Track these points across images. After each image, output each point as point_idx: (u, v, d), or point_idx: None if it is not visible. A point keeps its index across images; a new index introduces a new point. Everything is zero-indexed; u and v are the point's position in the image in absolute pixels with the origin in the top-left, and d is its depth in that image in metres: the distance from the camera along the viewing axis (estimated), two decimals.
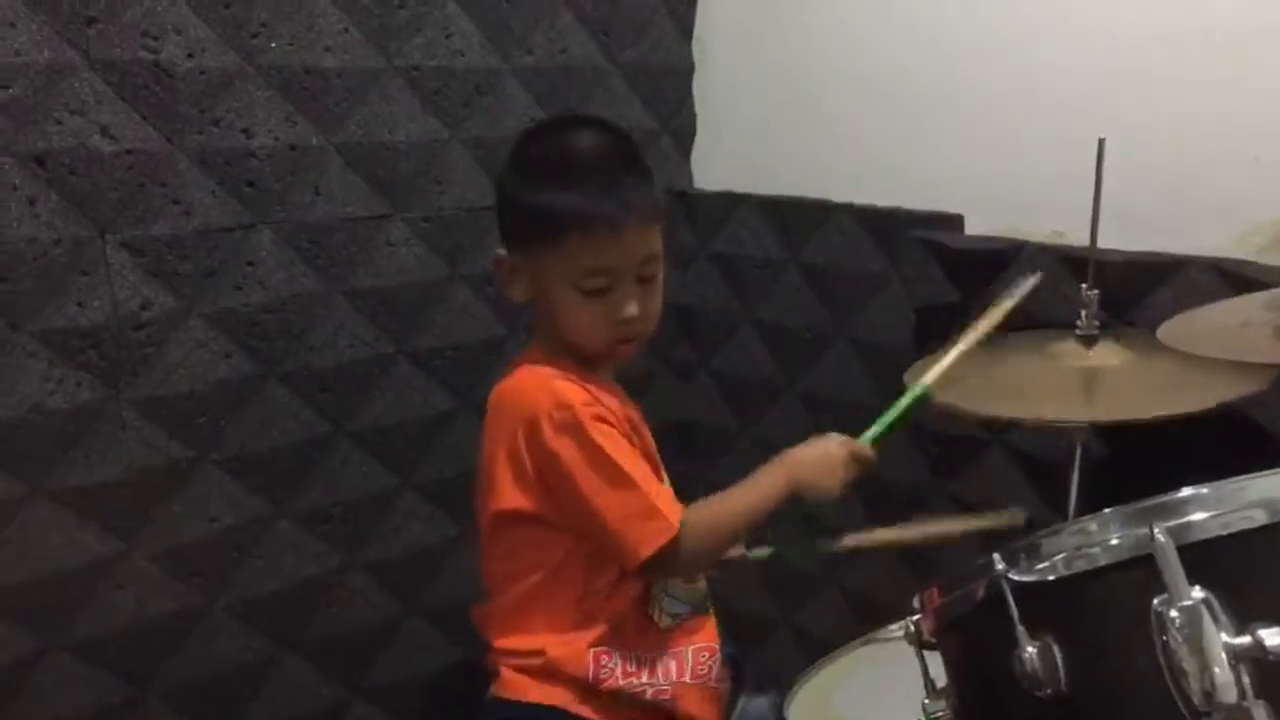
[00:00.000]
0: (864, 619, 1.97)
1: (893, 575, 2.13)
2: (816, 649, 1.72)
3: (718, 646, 1.52)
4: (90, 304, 1.70)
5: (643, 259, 1.41)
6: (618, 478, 1.34)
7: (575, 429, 1.35)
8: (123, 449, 1.76)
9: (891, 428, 1.50)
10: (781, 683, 1.61)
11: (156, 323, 1.77)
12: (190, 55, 1.73)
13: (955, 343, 1.57)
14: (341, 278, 1.95)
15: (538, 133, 1.49)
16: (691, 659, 1.49)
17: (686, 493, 1.44)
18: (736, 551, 1.58)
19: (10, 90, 1.59)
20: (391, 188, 1.98)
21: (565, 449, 1.35)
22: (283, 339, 1.90)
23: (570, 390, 1.38)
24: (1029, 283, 1.61)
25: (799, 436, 2.26)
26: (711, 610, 1.55)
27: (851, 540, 1.57)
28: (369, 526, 2.07)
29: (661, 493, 1.38)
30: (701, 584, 1.54)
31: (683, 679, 1.47)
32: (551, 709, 1.42)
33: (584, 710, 1.42)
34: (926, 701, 1.16)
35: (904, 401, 1.51)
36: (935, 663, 1.17)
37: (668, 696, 1.46)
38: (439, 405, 2.11)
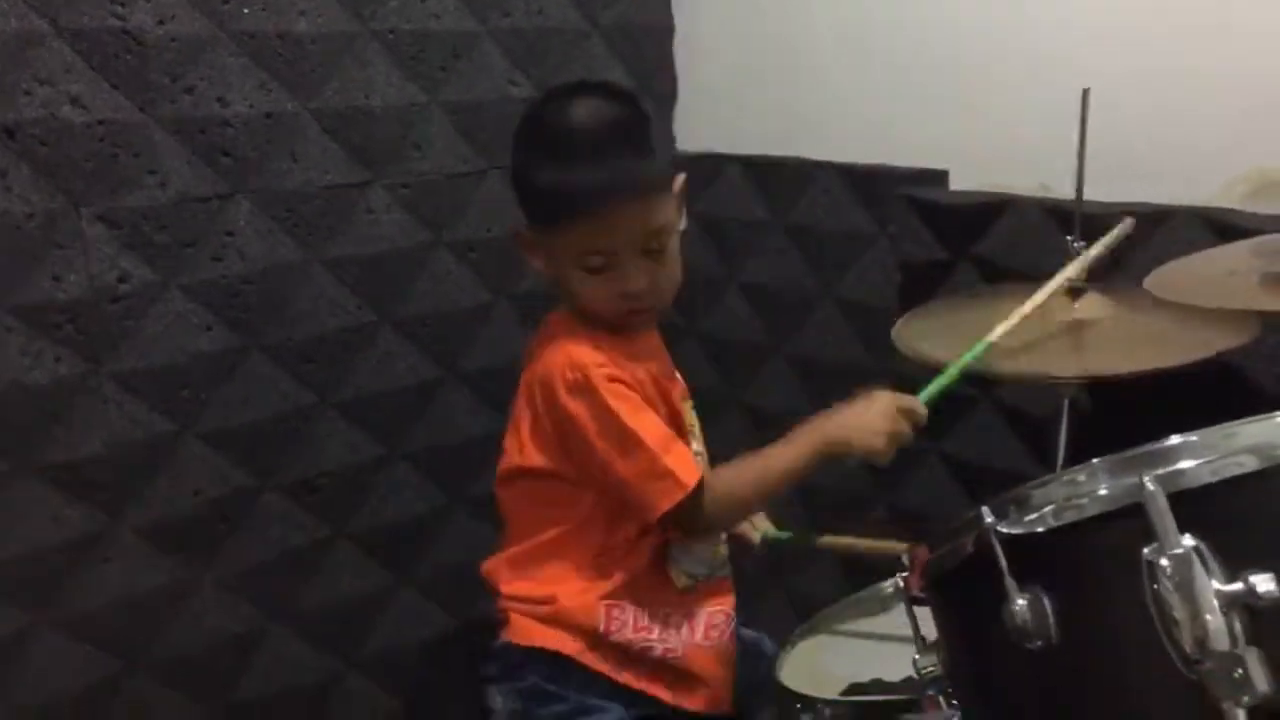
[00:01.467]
0: (855, 576, 1.97)
1: (884, 534, 2.13)
2: (808, 606, 1.71)
3: (733, 610, 1.51)
4: (66, 277, 1.68)
5: (646, 234, 1.38)
6: (628, 439, 1.34)
7: (587, 389, 1.36)
8: (104, 423, 1.74)
9: (949, 385, 1.44)
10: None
11: (135, 295, 1.75)
12: (160, 22, 1.71)
13: (1027, 299, 1.51)
14: (321, 246, 1.93)
15: (540, 104, 1.46)
16: (705, 620, 1.48)
17: None
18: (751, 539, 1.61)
19: None
20: (370, 154, 1.96)
21: (578, 409, 1.36)
22: (263, 310, 1.88)
23: (583, 352, 1.38)
24: (1119, 229, 1.56)
25: (787, 397, 2.27)
26: (730, 573, 1.54)
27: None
28: (356, 497, 2.06)
29: (675, 452, 1.37)
30: (722, 548, 1.54)
31: (694, 639, 1.47)
32: (556, 654, 1.42)
33: (589, 659, 1.42)
34: (917, 657, 1.16)
35: (965, 357, 1.44)
36: (925, 618, 1.16)
37: (678, 655, 1.46)
38: (424, 374, 2.10)
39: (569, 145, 1.37)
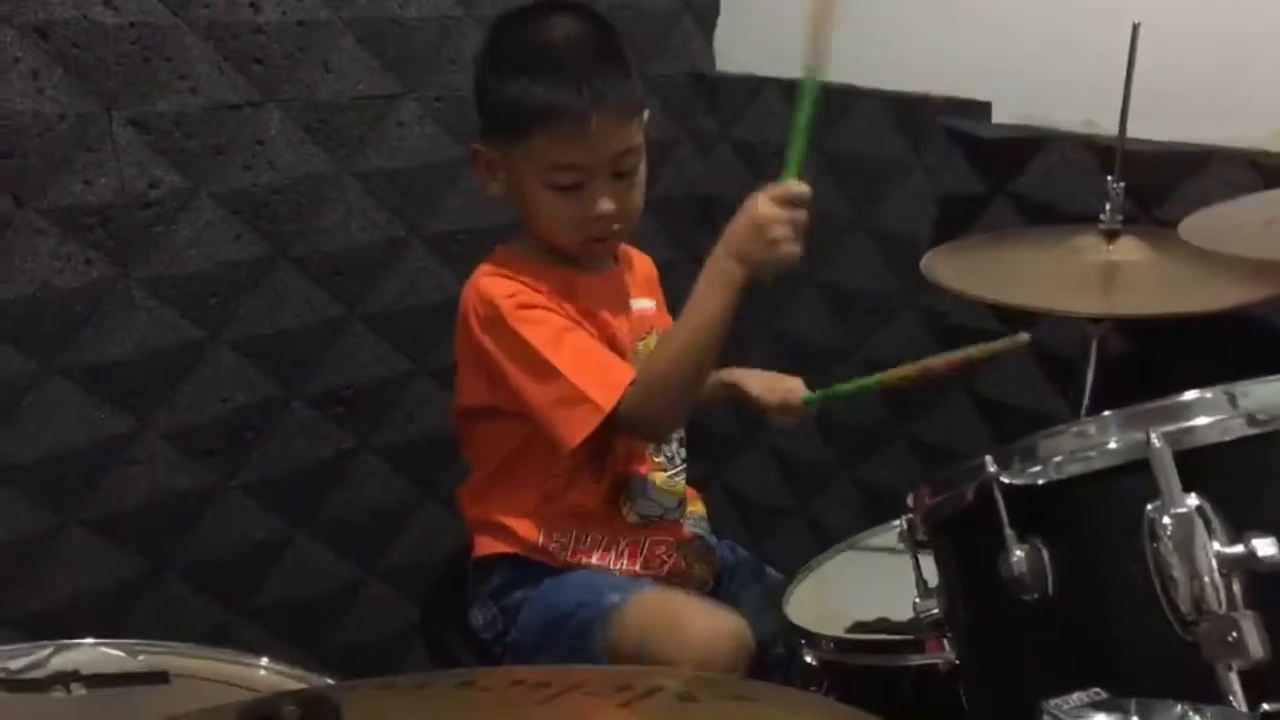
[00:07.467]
0: (874, 512, 1.97)
1: (906, 468, 2.13)
2: (828, 540, 1.71)
3: (674, 545, 1.52)
4: (97, 181, 1.68)
5: (617, 154, 1.38)
6: (541, 367, 1.34)
7: (498, 323, 1.36)
8: (134, 328, 1.76)
9: (806, 144, 1.38)
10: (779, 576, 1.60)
11: (165, 201, 1.75)
12: None
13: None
14: (352, 158, 1.92)
15: (512, 18, 1.44)
16: (647, 550, 1.50)
17: None
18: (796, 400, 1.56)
19: None
20: (403, 65, 1.94)
21: (491, 343, 1.37)
22: (293, 220, 1.88)
23: (495, 284, 1.39)
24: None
25: (815, 326, 2.25)
26: (683, 517, 1.55)
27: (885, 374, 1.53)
28: (382, 410, 2.08)
29: (600, 366, 1.36)
30: (681, 486, 1.54)
31: (634, 567, 1.49)
32: (513, 554, 1.47)
33: (541, 555, 1.47)
34: (918, 600, 1.15)
35: (804, 105, 1.38)
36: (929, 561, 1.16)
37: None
38: (452, 290, 2.06)
39: (549, 57, 1.36)
